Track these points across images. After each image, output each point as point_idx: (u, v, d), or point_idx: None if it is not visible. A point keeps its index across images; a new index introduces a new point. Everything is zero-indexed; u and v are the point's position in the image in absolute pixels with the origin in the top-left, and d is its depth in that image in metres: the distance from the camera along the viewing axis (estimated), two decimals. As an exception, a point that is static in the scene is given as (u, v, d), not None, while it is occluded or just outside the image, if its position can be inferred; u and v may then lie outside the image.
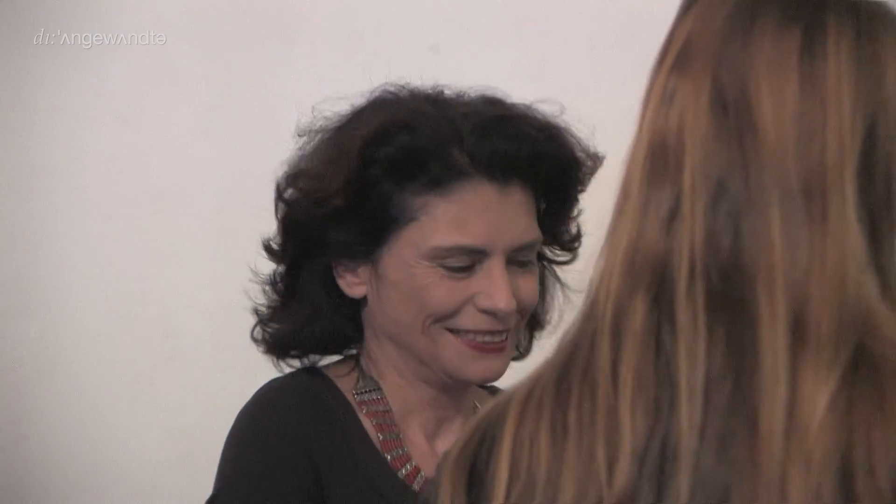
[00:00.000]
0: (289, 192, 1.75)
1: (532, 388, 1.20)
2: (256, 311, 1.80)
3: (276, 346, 1.81)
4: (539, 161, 1.73)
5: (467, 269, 1.71)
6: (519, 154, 1.71)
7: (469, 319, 1.71)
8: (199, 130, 3.33)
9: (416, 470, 1.75)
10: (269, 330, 1.79)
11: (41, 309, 2.99)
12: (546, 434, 1.18)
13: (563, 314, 1.82)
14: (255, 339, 1.81)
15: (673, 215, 1.16)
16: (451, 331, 1.72)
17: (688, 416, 1.12)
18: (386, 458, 1.74)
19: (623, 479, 1.14)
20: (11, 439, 3.14)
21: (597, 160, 1.77)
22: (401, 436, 1.76)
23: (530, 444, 1.19)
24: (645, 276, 1.15)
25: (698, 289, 1.14)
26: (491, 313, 1.70)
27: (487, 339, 1.72)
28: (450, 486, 1.23)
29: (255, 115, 3.52)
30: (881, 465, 1.11)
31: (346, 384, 1.77)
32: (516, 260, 1.73)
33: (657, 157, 1.16)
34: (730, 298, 1.14)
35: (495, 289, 1.69)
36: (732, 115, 1.14)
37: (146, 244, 3.26)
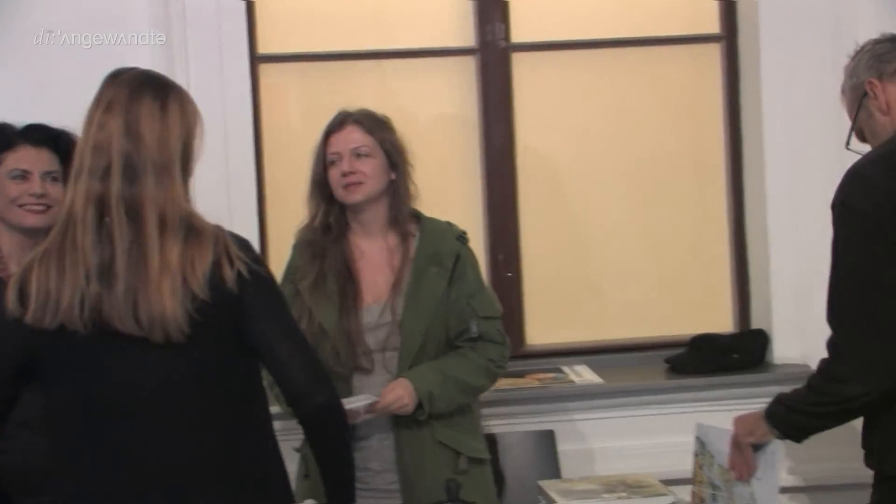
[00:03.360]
0: None
1: (46, 247, 2.76)
2: None
3: None
4: (47, 139, 3.61)
5: (23, 178, 3.55)
6: (39, 135, 3.60)
7: (27, 199, 3.52)
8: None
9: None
10: None
11: None
12: (54, 269, 2.72)
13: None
14: None
15: (105, 175, 2.74)
16: (19, 206, 3.53)
17: (120, 256, 2.71)
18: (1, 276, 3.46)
19: (94, 286, 2.71)
20: None
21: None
22: (7, 263, 3.52)
23: (46, 274, 2.72)
24: (93, 202, 2.73)
25: (121, 207, 2.72)
26: (40, 196, 3.54)
27: (36, 207, 3.53)
28: (13, 294, 2.76)
29: None
30: (198, 268, 2.74)
31: None
32: (48, 176, 3.60)
33: (97, 150, 2.75)
34: (135, 211, 2.73)
35: (36, 185, 3.55)
36: (133, 134, 2.80)
37: None
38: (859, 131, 3.17)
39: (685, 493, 3.49)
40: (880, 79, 3.08)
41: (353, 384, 3.70)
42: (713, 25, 4.86)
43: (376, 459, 3.73)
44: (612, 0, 4.86)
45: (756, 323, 4.77)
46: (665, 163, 4.87)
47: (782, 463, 3.17)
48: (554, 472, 4.31)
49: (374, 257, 3.82)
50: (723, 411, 4.38)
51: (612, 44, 4.85)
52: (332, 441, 2.93)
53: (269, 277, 2.90)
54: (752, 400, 4.00)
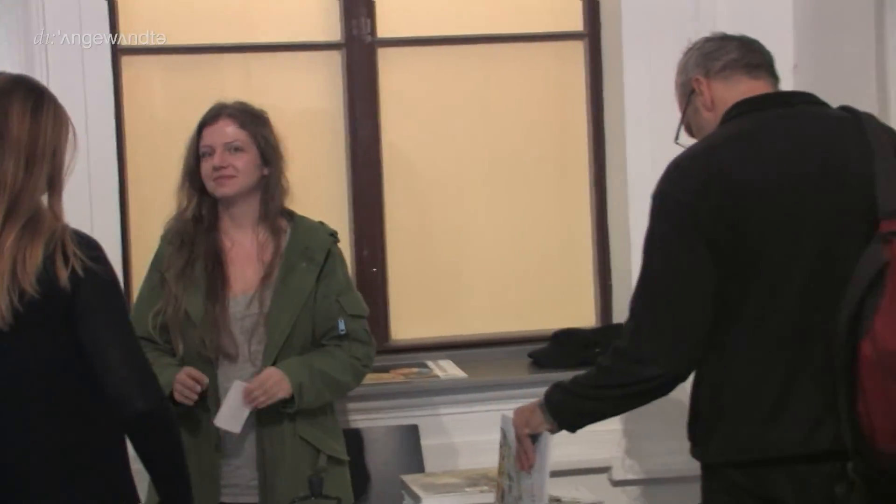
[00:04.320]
0: None
1: None
2: None
3: None
4: None
5: None
6: None
7: None
8: None
9: None
10: None
11: None
12: None
13: None
14: None
15: None
16: None
17: None
18: None
19: None
20: None
21: None
22: None
23: None
24: None
25: None
26: None
27: None
28: None
29: None
30: (29, 262, 2.72)
31: None
32: None
33: None
34: None
35: None
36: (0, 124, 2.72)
37: None
38: (688, 126, 3.25)
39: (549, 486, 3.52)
40: (707, 76, 3.16)
41: (219, 370, 3.70)
42: (577, 23, 4.90)
43: (237, 455, 3.72)
44: (477, -4, 4.89)
45: (618, 317, 4.82)
46: (529, 158, 4.90)
47: (552, 454, 3.18)
48: (418, 466, 4.32)
49: (245, 250, 3.81)
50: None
51: (478, 40, 4.86)
52: (156, 449, 2.88)
53: (108, 278, 2.85)
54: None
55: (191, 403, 3.63)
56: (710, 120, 3.13)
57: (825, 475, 2.90)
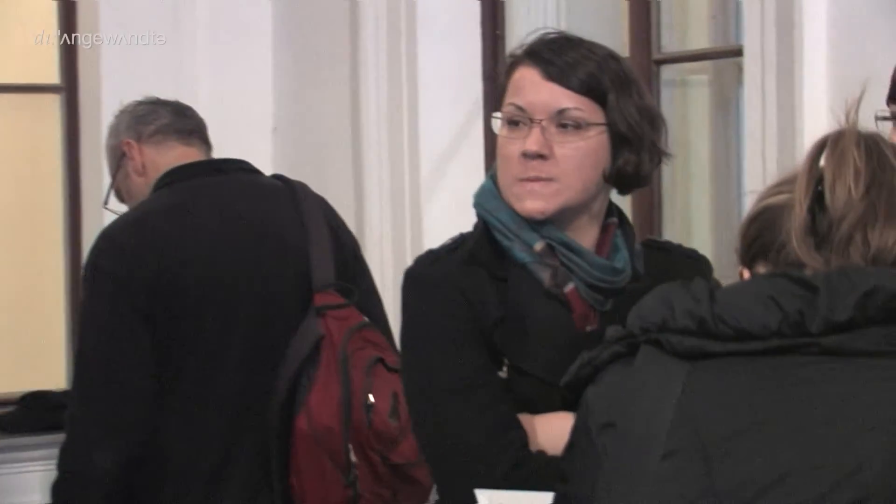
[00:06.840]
0: None
1: None
2: None
3: None
4: None
5: None
6: None
7: None
8: None
9: None
10: None
11: None
12: None
13: None
14: None
15: None
16: None
17: None
18: None
19: None
20: None
21: None
22: None
23: None
24: None
25: None
26: None
27: None
28: None
29: None
30: None
31: None
32: None
33: None
34: None
35: None
36: None
37: None
38: (118, 191, 3.24)
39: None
40: (138, 140, 3.17)
41: None
42: (53, 76, 4.80)
43: None
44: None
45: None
46: (-1, 215, 4.76)
47: None
48: None
49: None
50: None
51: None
52: None
53: None
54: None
55: None
56: (142, 185, 3.13)
57: None
